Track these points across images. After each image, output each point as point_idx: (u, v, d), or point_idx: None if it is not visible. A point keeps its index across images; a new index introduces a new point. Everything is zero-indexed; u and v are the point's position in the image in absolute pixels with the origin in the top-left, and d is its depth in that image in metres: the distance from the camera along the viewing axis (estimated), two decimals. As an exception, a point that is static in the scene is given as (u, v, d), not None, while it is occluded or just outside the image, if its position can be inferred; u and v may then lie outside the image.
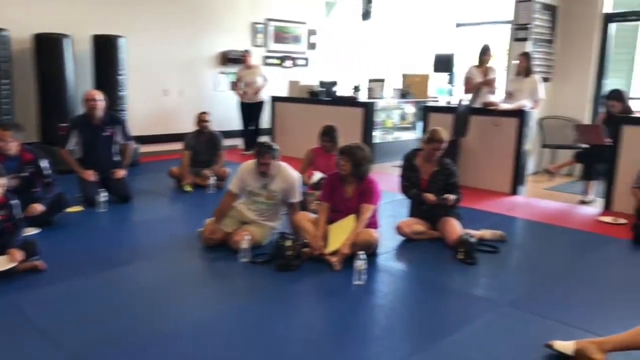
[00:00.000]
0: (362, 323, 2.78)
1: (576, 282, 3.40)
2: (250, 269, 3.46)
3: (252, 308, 2.90)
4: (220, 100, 8.38)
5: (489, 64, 6.27)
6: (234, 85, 8.18)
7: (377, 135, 7.94)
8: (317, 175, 4.73)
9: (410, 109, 8.61)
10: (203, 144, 5.77)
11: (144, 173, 6.53)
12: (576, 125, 6.05)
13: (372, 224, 3.72)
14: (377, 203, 3.69)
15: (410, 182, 4.20)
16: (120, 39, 6.76)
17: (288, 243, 3.42)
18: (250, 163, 3.88)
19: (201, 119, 5.80)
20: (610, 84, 6.94)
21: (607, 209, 5.20)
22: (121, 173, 5.02)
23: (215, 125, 7.73)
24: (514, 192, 5.84)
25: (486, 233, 4.17)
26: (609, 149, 5.20)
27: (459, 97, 5.99)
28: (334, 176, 3.77)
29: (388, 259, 3.73)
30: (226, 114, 8.13)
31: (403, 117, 8.64)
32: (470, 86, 6.28)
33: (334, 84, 8.27)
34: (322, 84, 8.33)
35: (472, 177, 6.10)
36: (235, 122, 8.19)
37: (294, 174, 3.91)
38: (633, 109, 5.66)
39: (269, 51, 9.11)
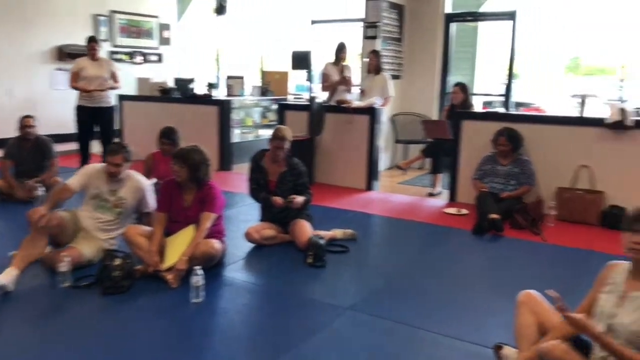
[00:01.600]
0: (196, 347, 2.51)
1: (420, 279, 3.44)
2: (71, 295, 3.01)
3: (70, 345, 2.49)
4: (58, 100, 7.52)
5: (345, 62, 6.31)
6: (73, 79, 6.14)
7: (237, 134, 7.68)
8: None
9: (273, 107, 8.44)
10: (28, 151, 5.04)
11: (-41, 186, 5.60)
12: (423, 121, 6.30)
13: (217, 233, 3.45)
14: (219, 211, 3.42)
15: (258, 185, 4.00)
16: None
17: (117, 262, 3.04)
18: (98, 165, 3.59)
19: (24, 124, 5.04)
20: (454, 80, 7.34)
21: (452, 200, 5.45)
22: None
23: (53, 127, 6.92)
24: (369, 188, 5.92)
25: (337, 232, 4.11)
26: (451, 142, 5.45)
27: (312, 95, 5.93)
28: (170, 183, 3.43)
29: (234, 270, 3.48)
30: (65, 115, 7.25)
31: (264, 115, 8.46)
32: (327, 84, 6.27)
33: (190, 81, 7.85)
34: (177, 81, 7.87)
35: (328, 175, 6.10)
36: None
37: (145, 181, 3.67)
38: (474, 103, 6.04)
39: (116, 46, 8.39)
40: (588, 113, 4.92)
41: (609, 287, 2.02)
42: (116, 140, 6.31)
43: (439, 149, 5.72)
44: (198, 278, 2.90)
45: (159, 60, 9.10)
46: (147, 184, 3.68)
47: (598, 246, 4.00)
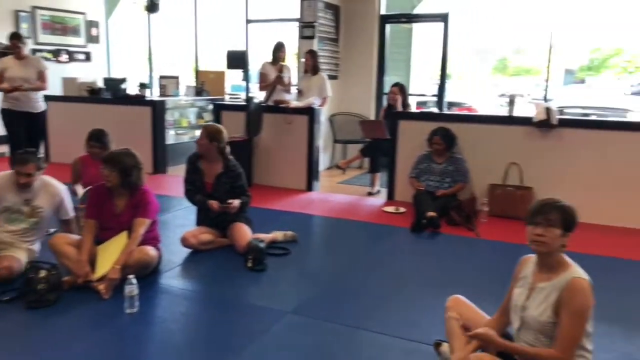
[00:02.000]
0: (131, 358, 2.39)
1: (360, 279, 3.45)
2: (-8, 311, 2.80)
3: (-15, 365, 2.30)
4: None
5: (284, 62, 6.25)
6: None
7: (171, 136, 7.46)
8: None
9: (209, 107, 8.25)
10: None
11: None
12: (360, 122, 6.36)
13: (152, 239, 3.32)
14: (153, 216, 3.29)
15: (194, 186, 3.89)
16: None
17: (41, 274, 2.84)
18: (6, 174, 3.28)
19: None
20: (391, 80, 7.46)
21: (390, 198, 5.53)
22: None
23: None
24: (309, 188, 5.90)
25: (278, 235, 4.06)
26: (388, 142, 5.53)
27: (250, 94, 5.85)
28: (100, 188, 3.26)
29: (171, 277, 3.36)
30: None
31: (200, 116, 8.26)
32: (265, 84, 6.19)
33: (122, 81, 7.54)
34: (107, 81, 7.54)
35: (268, 176, 6.03)
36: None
37: (61, 187, 3.42)
38: (410, 103, 6.17)
39: (38, 43, 7.93)
40: (516, 112, 5.14)
41: (521, 281, 2.10)
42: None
43: (377, 148, 5.80)
44: (132, 287, 2.77)
45: (87, 59, 8.70)
46: (65, 190, 3.45)
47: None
